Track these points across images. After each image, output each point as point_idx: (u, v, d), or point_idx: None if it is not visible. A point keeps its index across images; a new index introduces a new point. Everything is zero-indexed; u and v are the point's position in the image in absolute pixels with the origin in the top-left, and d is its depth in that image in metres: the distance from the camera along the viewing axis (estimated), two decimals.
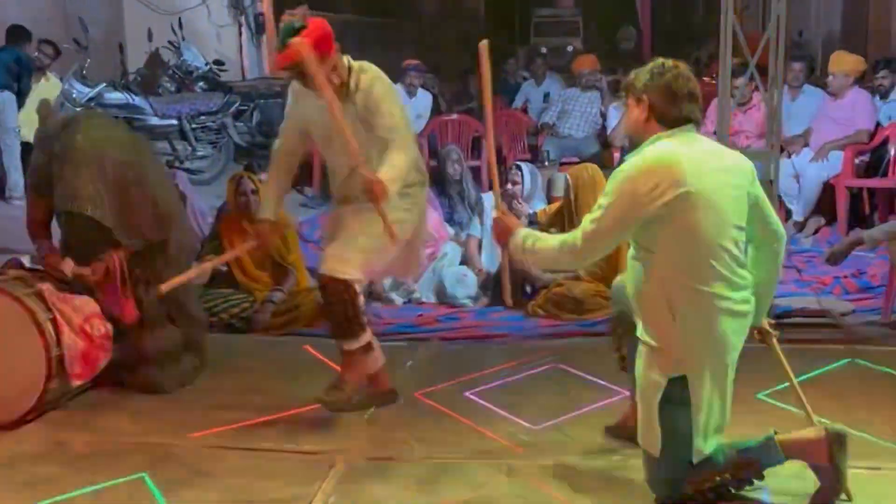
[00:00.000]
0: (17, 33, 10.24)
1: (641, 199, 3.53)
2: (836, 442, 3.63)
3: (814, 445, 3.67)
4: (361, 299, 4.70)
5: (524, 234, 3.93)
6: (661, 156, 3.58)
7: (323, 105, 4.42)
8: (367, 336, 4.76)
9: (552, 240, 3.85)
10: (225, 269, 6.68)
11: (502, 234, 4.04)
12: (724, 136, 6.02)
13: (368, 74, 4.61)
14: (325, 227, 5.17)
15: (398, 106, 4.66)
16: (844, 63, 9.05)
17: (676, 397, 3.61)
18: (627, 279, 3.79)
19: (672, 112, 3.66)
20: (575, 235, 3.72)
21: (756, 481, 3.74)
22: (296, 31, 4.35)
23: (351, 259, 4.60)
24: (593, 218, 3.65)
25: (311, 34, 4.38)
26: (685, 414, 3.61)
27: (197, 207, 7.98)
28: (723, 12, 5.78)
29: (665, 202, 3.51)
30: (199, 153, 11.47)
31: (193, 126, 11.41)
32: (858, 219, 8.87)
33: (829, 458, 3.64)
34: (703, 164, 3.60)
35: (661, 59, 3.74)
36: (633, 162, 3.62)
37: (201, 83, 12.19)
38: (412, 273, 6.78)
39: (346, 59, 4.64)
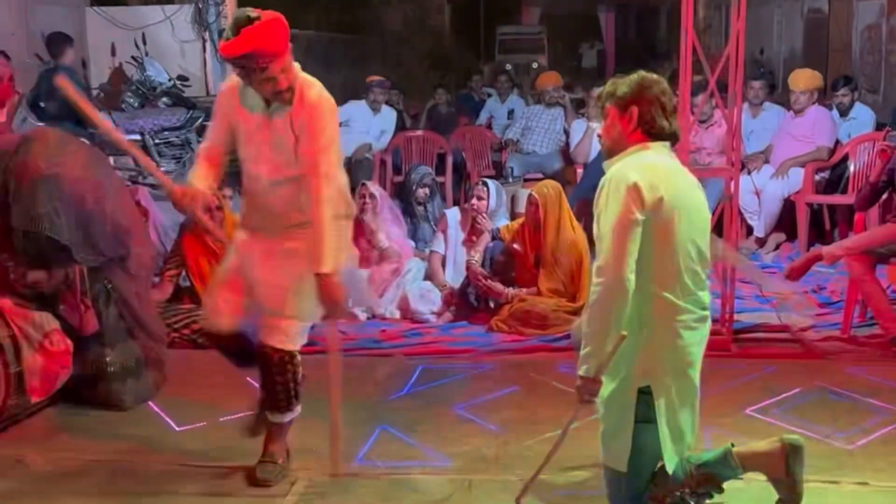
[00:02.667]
0: None
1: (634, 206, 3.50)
2: (792, 454, 3.65)
3: (771, 458, 3.68)
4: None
5: (582, 359, 3.59)
6: (646, 165, 3.58)
7: (257, 106, 4.14)
8: (299, 406, 4.45)
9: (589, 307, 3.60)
10: (187, 284, 6.66)
11: (588, 390, 3.60)
12: (684, 152, 6.06)
13: (315, 90, 4.16)
14: (241, 266, 4.38)
15: (337, 132, 4.23)
16: (801, 80, 9.16)
17: (642, 413, 3.61)
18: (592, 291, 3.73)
19: (662, 125, 3.65)
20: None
21: (715, 494, 3.76)
22: (250, 22, 3.98)
23: (294, 327, 4.29)
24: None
25: (268, 27, 4.01)
26: (651, 429, 3.61)
27: (159, 222, 7.94)
28: (682, 30, 5.83)
29: (647, 208, 3.50)
30: (163, 168, 11.40)
31: (157, 141, 11.35)
32: (819, 235, 8.95)
33: (786, 470, 3.66)
34: (678, 176, 3.64)
35: (642, 72, 3.75)
36: (624, 170, 3.57)
37: (165, 98, 12.14)
38: (370, 301, 6.83)
39: (296, 65, 4.21)
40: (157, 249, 7.18)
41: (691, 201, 3.63)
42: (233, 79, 4.21)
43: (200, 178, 4.29)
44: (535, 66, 17.07)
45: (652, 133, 3.65)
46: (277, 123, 4.12)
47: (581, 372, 3.55)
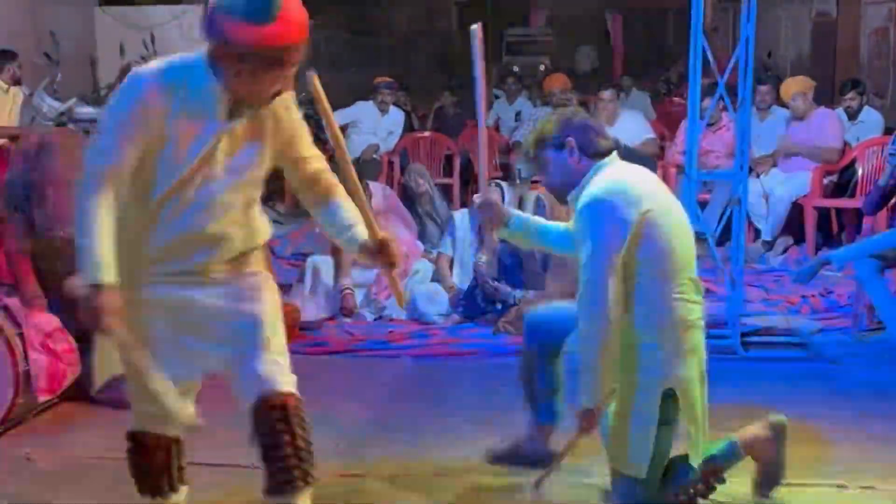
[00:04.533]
0: None
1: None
2: (780, 434, 3.79)
3: (764, 443, 3.79)
4: None
5: (582, 389, 3.64)
6: (615, 182, 3.62)
7: (210, 111, 3.12)
8: None
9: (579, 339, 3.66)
10: None
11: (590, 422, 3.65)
12: (693, 155, 6.07)
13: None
14: (174, 326, 3.34)
15: None
16: (791, 86, 9.23)
17: (661, 417, 3.62)
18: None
19: (601, 143, 3.74)
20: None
21: (718, 485, 3.78)
22: None
23: (288, 365, 3.46)
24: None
25: (299, 5, 3.04)
26: (666, 431, 3.63)
27: None
28: (692, 33, 5.83)
29: (636, 220, 3.54)
30: None
31: None
32: (826, 238, 8.95)
33: (776, 451, 3.80)
34: (648, 179, 3.73)
35: (548, 111, 3.84)
36: (596, 194, 3.62)
37: None
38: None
39: None
40: None
41: (671, 201, 3.73)
42: (152, 74, 3.13)
43: (108, 251, 3.06)
44: (541, 67, 17.03)
45: (597, 154, 3.71)
46: (239, 130, 3.17)
47: (582, 403, 3.59)
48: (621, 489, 3.75)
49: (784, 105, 9.81)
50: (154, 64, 3.18)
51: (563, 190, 3.79)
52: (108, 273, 3.01)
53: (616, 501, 3.79)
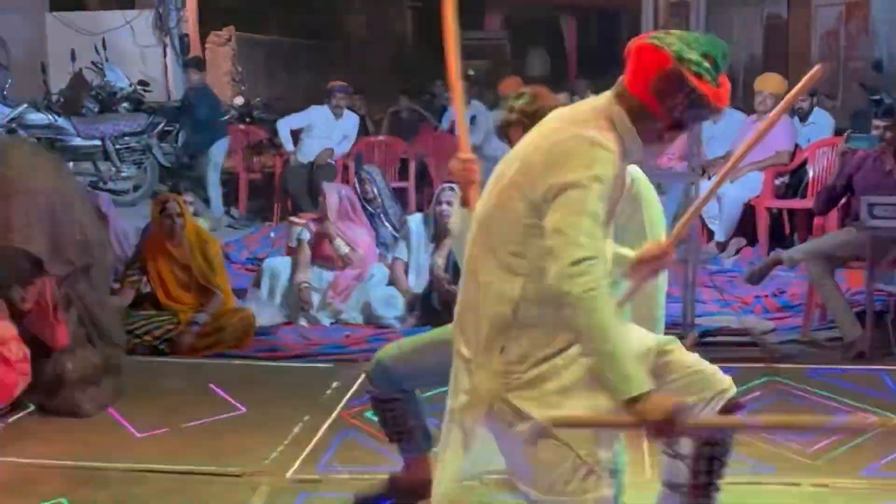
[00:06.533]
0: None
1: None
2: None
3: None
4: None
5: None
6: None
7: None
8: None
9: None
10: (148, 290, 6.62)
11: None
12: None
13: None
14: None
15: None
16: (770, 83, 9.24)
17: None
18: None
19: None
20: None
21: None
22: None
23: None
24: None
25: None
26: None
27: (119, 228, 7.89)
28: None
29: None
30: (124, 174, 11.36)
31: (117, 147, 11.29)
32: (778, 239, 9.03)
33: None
34: None
35: (527, 88, 3.79)
36: None
37: (125, 104, 12.08)
38: None
39: None
40: (118, 255, 7.14)
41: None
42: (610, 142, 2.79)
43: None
44: (469, 72, 16.86)
45: None
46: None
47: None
48: None
49: (737, 107, 9.89)
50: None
51: None
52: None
53: None
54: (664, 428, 2.65)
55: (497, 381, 2.84)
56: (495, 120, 10.65)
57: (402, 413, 3.97)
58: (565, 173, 2.71)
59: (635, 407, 2.62)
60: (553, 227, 2.71)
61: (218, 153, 11.09)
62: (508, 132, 3.78)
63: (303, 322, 7.05)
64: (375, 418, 4.26)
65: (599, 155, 2.73)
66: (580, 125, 2.79)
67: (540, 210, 2.76)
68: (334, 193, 7.58)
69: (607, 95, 2.88)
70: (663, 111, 2.79)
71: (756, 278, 6.34)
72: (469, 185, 3.64)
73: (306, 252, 7.33)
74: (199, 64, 11.81)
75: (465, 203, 3.64)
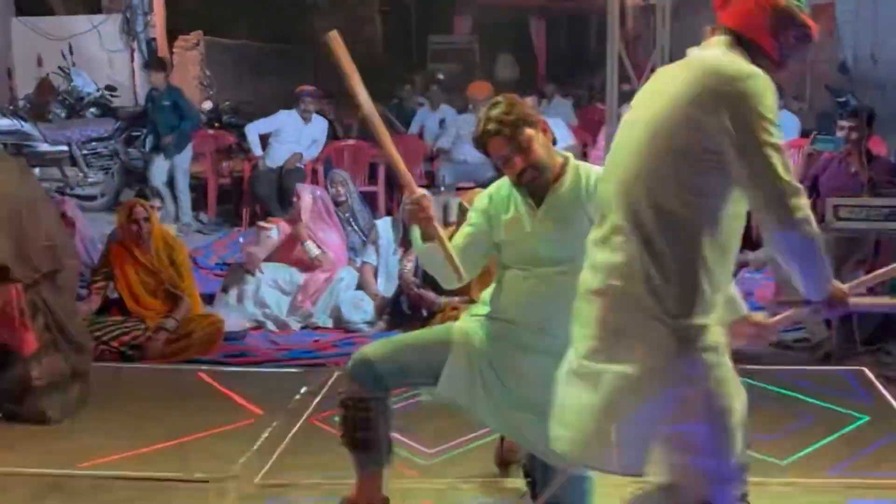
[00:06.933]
0: None
1: None
2: None
3: None
4: None
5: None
6: None
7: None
8: None
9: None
10: (115, 296, 6.58)
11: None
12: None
13: None
14: None
15: None
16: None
17: None
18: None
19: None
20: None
21: None
22: None
23: None
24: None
25: None
26: None
27: (86, 234, 7.85)
28: (609, 41, 5.90)
29: None
30: (91, 179, 11.29)
31: (84, 152, 11.23)
32: (746, 241, 9.06)
33: None
34: None
35: (501, 97, 3.73)
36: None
37: (93, 109, 12.02)
38: None
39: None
40: (84, 261, 7.10)
41: None
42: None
43: None
44: (439, 76, 16.85)
45: (553, 142, 3.71)
46: None
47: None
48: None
49: None
50: None
51: (544, 171, 3.65)
52: None
53: None
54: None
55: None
56: (469, 128, 10.77)
57: (375, 416, 3.85)
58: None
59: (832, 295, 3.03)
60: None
61: (183, 160, 10.89)
62: (486, 143, 3.66)
63: (272, 327, 7.04)
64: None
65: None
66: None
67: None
68: (308, 194, 7.58)
69: (719, 42, 3.01)
70: (776, 48, 2.93)
71: None
72: (427, 223, 3.60)
73: (274, 242, 7.39)
74: (160, 64, 11.47)
75: (428, 238, 3.60)
